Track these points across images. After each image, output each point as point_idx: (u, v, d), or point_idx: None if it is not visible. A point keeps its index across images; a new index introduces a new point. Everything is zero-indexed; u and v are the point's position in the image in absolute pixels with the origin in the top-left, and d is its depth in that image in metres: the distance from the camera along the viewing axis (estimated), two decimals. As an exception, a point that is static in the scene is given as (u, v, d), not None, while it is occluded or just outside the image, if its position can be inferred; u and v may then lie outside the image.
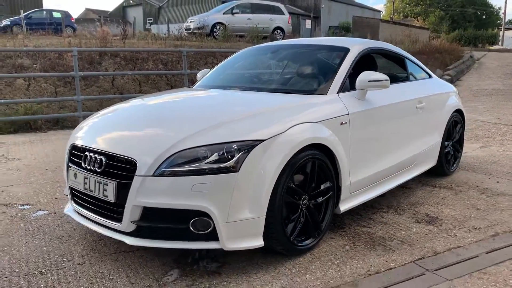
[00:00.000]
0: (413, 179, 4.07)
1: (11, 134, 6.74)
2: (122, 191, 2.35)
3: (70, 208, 2.85)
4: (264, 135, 2.43)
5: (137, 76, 9.10)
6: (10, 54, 8.30)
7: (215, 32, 15.37)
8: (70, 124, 7.48)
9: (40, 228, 3.09)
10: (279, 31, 16.96)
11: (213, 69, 4.15)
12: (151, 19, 38.36)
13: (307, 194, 2.66)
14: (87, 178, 2.55)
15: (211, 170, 2.28)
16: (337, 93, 3.07)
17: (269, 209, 2.39)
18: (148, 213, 2.33)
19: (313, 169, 2.67)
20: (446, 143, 4.38)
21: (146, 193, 2.29)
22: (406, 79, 4.12)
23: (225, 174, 2.28)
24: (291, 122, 2.60)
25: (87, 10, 45.09)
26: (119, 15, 39.99)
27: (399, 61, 4.19)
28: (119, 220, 2.39)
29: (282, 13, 17.46)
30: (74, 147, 2.77)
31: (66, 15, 21.15)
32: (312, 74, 3.47)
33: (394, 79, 3.73)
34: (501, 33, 37.66)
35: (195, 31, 15.31)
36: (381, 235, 3.00)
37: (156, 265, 2.53)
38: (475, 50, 21.90)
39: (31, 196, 3.80)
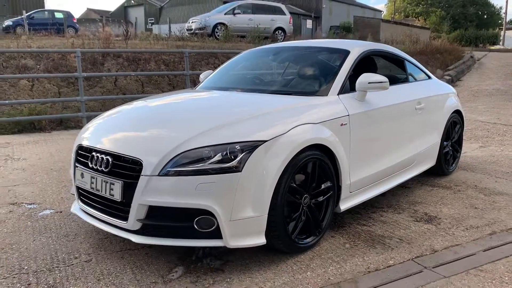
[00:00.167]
0: (412, 179, 4.13)
1: (16, 134, 6.82)
2: (128, 190, 2.42)
3: (77, 207, 2.92)
4: (266, 136, 2.50)
5: (139, 76, 9.17)
6: (14, 55, 8.38)
7: (217, 32, 15.43)
8: (74, 124, 7.56)
9: (47, 227, 3.16)
10: (280, 31, 17.02)
11: (216, 71, 4.22)
12: (152, 19, 38.45)
13: (308, 194, 2.73)
14: (94, 178, 2.62)
15: (215, 170, 2.34)
16: (338, 94, 3.14)
17: (271, 208, 2.46)
18: (154, 211, 2.40)
19: (314, 169, 2.74)
20: (445, 143, 4.45)
21: (151, 192, 2.35)
22: (405, 80, 4.18)
23: (229, 174, 2.35)
24: (292, 123, 2.66)
25: (89, 10, 45.21)
26: (121, 15, 40.05)
27: (399, 62, 4.25)
28: (125, 218, 2.46)
29: (283, 14, 17.52)
30: (80, 147, 2.84)
31: (68, 15, 21.22)
32: (313, 76, 3.53)
33: (393, 81, 3.80)
34: (502, 33, 37.65)
35: (197, 31, 15.38)
36: (380, 233, 3.06)
37: (161, 263, 2.60)
38: (475, 50, 21.96)
39: (37, 195, 3.88)
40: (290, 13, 18.88)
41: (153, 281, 2.40)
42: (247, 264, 2.58)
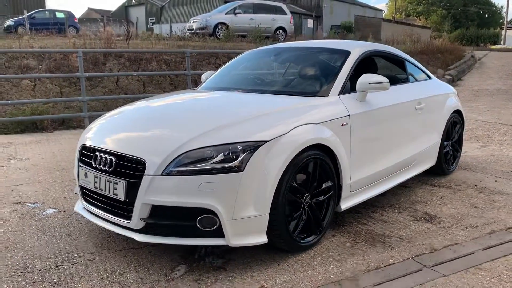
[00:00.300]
0: (412, 178, 4.16)
1: (18, 134, 6.86)
2: (132, 190, 2.46)
3: (80, 206, 2.96)
4: (267, 136, 2.53)
5: (141, 76, 9.20)
6: (16, 55, 8.42)
7: (218, 32, 15.46)
8: (76, 124, 7.60)
9: (51, 226, 3.20)
10: (281, 31, 17.04)
11: (217, 71, 4.25)
12: (153, 19, 38.51)
13: (309, 193, 2.76)
14: (97, 177, 2.66)
15: (217, 170, 2.38)
16: (338, 95, 3.17)
17: (273, 207, 2.49)
18: (157, 210, 2.43)
19: (315, 169, 2.77)
20: (445, 143, 4.47)
21: (155, 191, 2.39)
22: (405, 80, 4.20)
23: (231, 174, 2.38)
24: (293, 123, 2.69)
25: (90, 10, 45.24)
26: (122, 15, 40.12)
27: (399, 63, 4.28)
28: (128, 217, 2.49)
29: (284, 13, 17.54)
30: (84, 147, 2.87)
31: (69, 15, 21.27)
32: (314, 76, 3.56)
33: (394, 81, 3.83)
34: (503, 32, 37.61)
35: (198, 31, 15.41)
36: (380, 232, 3.09)
37: (164, 261, 2.64)
38: (476, 49, 21.95)
39: (40, 194, 3.91)
40: (291, 12, 18.90)
41: (156, 279, 2.44)
42: (249, 263, 2.62)
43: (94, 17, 35.03)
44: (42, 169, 4.76)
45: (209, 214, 2.38)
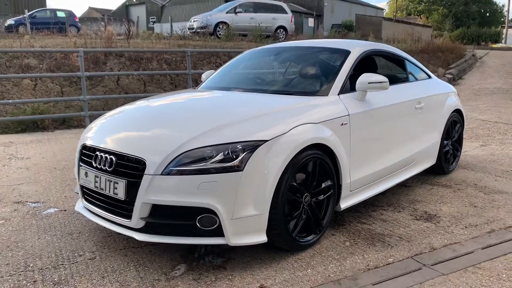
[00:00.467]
0: (412, 178, 4.17)
1: (19, 134, 6.88)
2: (132, 189, 2.47)
3: (81, 206, 2.97)
4: (267, 136, 2.54)
5: (141, 76, 9.21)
6: (17, 54, 8.43)
7: (218, 31, 15.46)
8: (76, 123, 7.61)
9: (52, 225, 3.21)
10: (282, 30, 17.03)
11: (217, 71, 4.25)
12: (154, 18, 38.51)
13: (309, 192, 2.77)
14: (97, 177, 2.67)
15: (217, 170, 2.39)
16: (338, 94, 3.17)
17: (272, 206, 2.50)
18: (157, 210, 2.44)
19: (315, 168, 2.78)
20: (445, 142, 4.48)
21: (155, 191, 2.40)
22: (405, 80, 4.21)
23: (230, 173, 2.39)
24: (293, 123, 2.70)
25: (91, 9, 45.25)
26: (123, 14, 40.14)
27: (399, 62, 4.28)
28: (128, 217, 2.50)
29: (285, 12, 17.53)
30: (84, 147, 2.88)
31: (70, 14, 21.31)
32: (314, 76, 3.57)
33: (393, 80, 3.83)
34: (504, 31, 37.55)
35: (198, 30, 15.41)
36: (380, 231, 3.10)
37: (164, 260, 2.65)
38: (477, 48, 21.94)
39: (41, 194, 3.92)
40: (292, 11, 18.89)
41: (156, 278, 2.45)
42: (249, 262, 2.63)
43: (95, 16, 35.06)
44: (43, 169, 4.77)
45: (209, 214, 2.39)
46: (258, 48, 4.42)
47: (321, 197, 2.86)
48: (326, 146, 2.82)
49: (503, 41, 35.27)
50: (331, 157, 2.88)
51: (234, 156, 2.42)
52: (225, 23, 15.69)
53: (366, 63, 3.82)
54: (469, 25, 38.88)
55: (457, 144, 4.76)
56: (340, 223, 3.25)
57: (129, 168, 2.51)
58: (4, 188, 4.09)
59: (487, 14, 52.28)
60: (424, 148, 4.08)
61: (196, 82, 8.38)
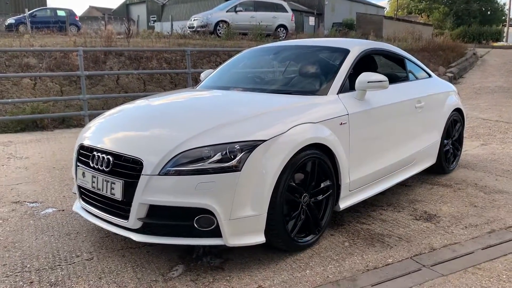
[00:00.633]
0: (412, 177, 4.15)
1: (19, 133, 6.86)
2: (129, 190, 2.45)
3: (78, 206, 2.95)
4: (265, 136, 2.52)
5: (141, 75, 9.19)
6: (16, 53, 8.42)
7: (219, 30, 15.44)
8: (76, 122, 7.59)
9: (49, 225, 3.19)
10: (282, 28, 17.00)
11: (216, 70, 4.23)
12: (154, 17, 38.48)
13: (308, 192, 2.75)
14: (95, 177, 2.65)
15: (215, 170, 2.37)
16: (337, 93, 3.15)
17: (271, 206, 2.48)
18: (154, 210, 2.42)
19: (313, 168, 2.76)
20: (445, 141, 4.45)
21: (152, 191, 2.38)
22: (405, 79, 4.18)
23: (228, 174, 2.37)
24: (292, 122, 2.68)
25: (91, 8, 45.20)
26: (123, 13, 40.10)
27: (399, 61, 4.25)
28: (126, 217, 2.49)
29: (285, 11, 17.50)
30: (82, 147, 2.87)
31: (70, 13, 21.27)
32: (313, 75, 3.54)
33: (393, 79, 3.81)
34: (505, 29, 37.47)
35: (199, 29, 15.39)
36: (379, 232, 3.08)
37: (162, 261, 2.63)
38: (478, 47, 21.87)
39: (39, 194, 3.91)
40: (292, 10, 18.86)
41: (154, 279, 2.43)
42: (247, 262, 2.61)
43: (95, 15, 35.03)
44: (41, 168, 4.76)
45: (206, 214, 2.38)
46: (257, 47, 4.39)
47: (320, 197, 2.84)
48: (325, 146, 2.80)
49: (504, 39, 35.18)
50: (330, 157, 2.86)
51: (232, 156, 2.40)
52: (225, 22, 15.66)
53: (366, 62, 3.80)
54: (470, 24, 38.79)
55: (458, 143, 4.74)
56: (339, 223, 3.23)
57: (126, 168, 2.49)
58: (2, 187, 4.07)
59: (488, 13, 52.13)
60: (424, 147, 4.05)
61: (196, 81, 8.36)
